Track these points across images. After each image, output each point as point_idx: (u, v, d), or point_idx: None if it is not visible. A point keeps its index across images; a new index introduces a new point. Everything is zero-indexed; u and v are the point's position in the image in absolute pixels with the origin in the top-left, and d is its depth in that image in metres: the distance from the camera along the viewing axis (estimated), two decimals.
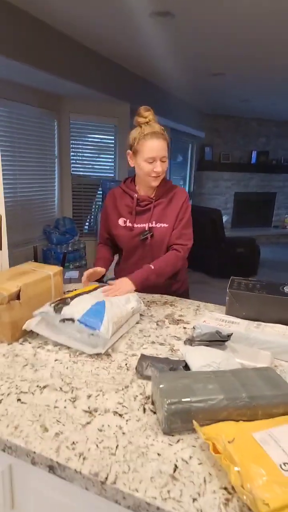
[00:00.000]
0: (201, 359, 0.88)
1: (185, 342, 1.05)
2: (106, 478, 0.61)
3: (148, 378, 0.89)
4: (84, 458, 0.65)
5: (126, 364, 0.97)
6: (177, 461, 0.65)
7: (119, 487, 0.60)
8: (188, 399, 0.71)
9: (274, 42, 2.94)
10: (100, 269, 1.47)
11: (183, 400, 0.71)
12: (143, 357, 0.96)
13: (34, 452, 0.67)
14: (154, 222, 1.47)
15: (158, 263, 1.41)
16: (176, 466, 0.64)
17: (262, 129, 6.98)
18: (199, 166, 6.57)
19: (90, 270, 1.44)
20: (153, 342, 1.09)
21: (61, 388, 0.86)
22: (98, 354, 1.01)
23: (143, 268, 1.40)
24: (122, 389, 0.86)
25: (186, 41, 3.03)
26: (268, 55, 3.29)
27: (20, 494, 0.76)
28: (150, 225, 1.47)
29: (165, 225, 1.47)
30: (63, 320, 1.03)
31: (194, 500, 0.58)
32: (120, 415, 0.77)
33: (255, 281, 1.30)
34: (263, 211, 7.49)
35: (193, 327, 1.14)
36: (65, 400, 0.81)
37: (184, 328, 1.20)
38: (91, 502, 0.67)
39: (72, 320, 1.02)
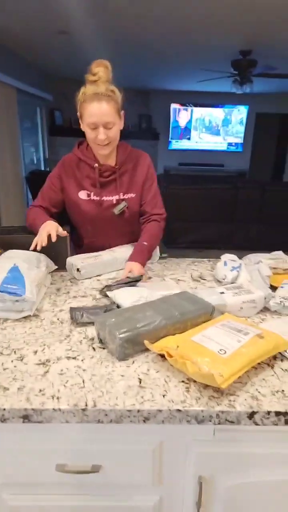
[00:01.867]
0: (130, 296, 0.99)
1: (104, 289, 1.14)
2: (86, 405, 0.68)
3: (85, 324, 0.96)
4: (58, 398, 0.69)
5: (58, 319, 1.00)
6: (139, 375, 0.76)
7: (100, 407, 0.67)
8: (136, 326, 0.82)
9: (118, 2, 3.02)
10: (54, 224, 1.22)
11: (132, 327, 0.82)
12: (73, 309, 1.01)
13: (4, 409, 0.67)
14: (122, 193, 1.37)
15: (149, 238, 1.34)
16: (140, 379, 0.75)
17: None
18: (51, 131, 6.33)
19: (48, 230, 1.17)
20: (74, 297, 1.14)
21: (1, 353, 0.84)
22: (25, 317, 1.00)
23: (140, 246, 1.32)
24: (65, 338, 0.90)
25: None
26: (111, 16, 3.37)
27: None
28: (118, 198, 1.36)
29: (133, 195, 1.38)
30: None
31: (164, 395, 0.70)
32: (74, 358, 0.82)
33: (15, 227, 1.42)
34: None
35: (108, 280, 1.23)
36: (12, 361, 0.81)
37: (98, 280, 1.28)
38: (72, 432, 0.72)
39: None
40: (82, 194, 1.36)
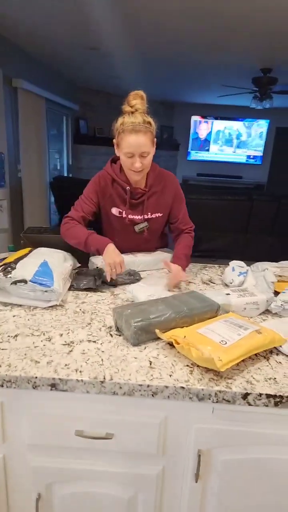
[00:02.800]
0: (146, 292, 1.11)
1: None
2: (104, 378, 0.80)
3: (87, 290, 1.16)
4: (80, 372, 0.82)
5: (80, 310, 1.13)
6: (150, 359, 0.88)
7: (116, 381, 0.80)
8: (149, 317, 0.94)
9: (145, 20, 3.20)
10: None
11: (145, 318, 0.94)
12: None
13: (36, 377, 0.80)
14: (149, 213, 1.48)
15: (187, 249, 1.46)
16: (150, 361, 0.87)
17: None
18: (75, 139, 6.58)
19: (118, 260, 1.27)
20: (95, 291, 1.27)
21: (32, 334, 0.97)
22: (52, 306, 1.14)
23: (183, 255, 1.42)
24: (86, 325, 1.03)
25: (64, 10, 3.02)
26: (140, 34, 3.55)
27: (14, 426, 0.88)
28: (146, 217, 1.48)
29: (160, 214, 1.49)
30: (15, 283, 1.11)
31: (171, 375, 0.82)
32: (94, 341, 0.95)
33: (44, 227, 1.58)
34: None
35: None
36: (42, 341, 0.94)
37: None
38: (90, 402, 0.85)
39: (24, 281, 1.11)
40: (114, 211, 1.47)
